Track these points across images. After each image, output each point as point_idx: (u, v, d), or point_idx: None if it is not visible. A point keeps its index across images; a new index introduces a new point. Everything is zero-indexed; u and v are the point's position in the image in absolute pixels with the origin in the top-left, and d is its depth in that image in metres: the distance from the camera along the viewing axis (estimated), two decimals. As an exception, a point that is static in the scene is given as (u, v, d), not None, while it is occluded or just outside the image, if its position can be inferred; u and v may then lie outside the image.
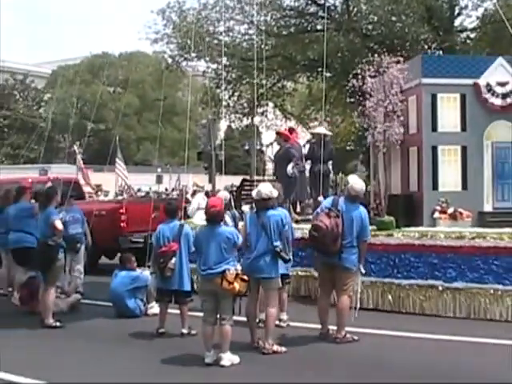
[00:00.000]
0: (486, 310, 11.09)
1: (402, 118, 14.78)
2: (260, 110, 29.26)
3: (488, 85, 14.72)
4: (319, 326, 9.98)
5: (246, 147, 49.33)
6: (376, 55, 15.26)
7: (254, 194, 9.59)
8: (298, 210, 15.88)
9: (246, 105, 30.17)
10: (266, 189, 9.46)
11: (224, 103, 30.44)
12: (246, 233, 9.43)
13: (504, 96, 14.77)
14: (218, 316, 8.78)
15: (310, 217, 14.41)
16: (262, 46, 22.21)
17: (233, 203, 12.63)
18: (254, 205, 9.92)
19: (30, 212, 12.72)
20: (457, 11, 26.60)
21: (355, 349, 9.39)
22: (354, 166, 45.66)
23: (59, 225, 11.17)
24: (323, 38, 15.53)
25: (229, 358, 8.60)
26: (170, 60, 29.24)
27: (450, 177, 14.65)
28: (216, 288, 8.62)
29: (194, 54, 27.22)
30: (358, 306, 10.26)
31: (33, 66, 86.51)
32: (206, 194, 18.60)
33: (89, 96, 67.05)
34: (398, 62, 14.89)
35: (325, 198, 12.58)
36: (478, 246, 11.28)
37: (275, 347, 9.13)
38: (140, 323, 11.09)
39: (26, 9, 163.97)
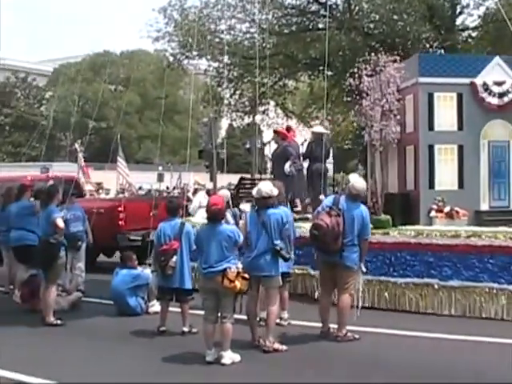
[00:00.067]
0: (482, 309, 11.11)
1: (398, 117, 14.83)
2: (261, 109, 29.24)
3: (485, 84, 14.80)
4: (320, 325, 9.98)
5: (247, 146, 49.30)
6: (373, 54, 15.29)
7: (254, 192, 9.59)
8: (299, 208, 15.89)
9: (247, 103, 30.16)
10: (267, 187, 9.45)
11: (225, 101, 30.46)
12: (247, 231, 9.43)
13: (501, 95, 14.87)
14: (219, 314, 8.78)
15: (309, 215, 14.49)
16: (264, 45, 22.23)
17: (230, 202, 12.62)
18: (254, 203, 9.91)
19: (31, 210, 12.72)
20: (458, 10, 26.59)
21: (356, 347, 9.39)
22: (355, 164, 45.65)
23: (61, 223, 11.18)
24: (325, 37, 15.51)
25: (230, 357, 8.60)
26: (171, 58, 29.22)
27: (446, 176, 14.74)
28: (217, 286, 8.62)
29: (195, 53, 27.20)
30: (361, 304, 10.29)
31: (34, 64, 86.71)
32: (207, 192, 18.59)
33: (90, 94, 67.10)
34: (395, 61, 14.93)
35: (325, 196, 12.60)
36: (473, 244, 11.29)
37: (276, 345, 9.13)
38: (141, 321, 11.10)
39: (27, 7, 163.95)
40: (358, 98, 15.30)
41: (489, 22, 26.57)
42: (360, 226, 9.73)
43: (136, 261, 12.19)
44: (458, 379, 7.88)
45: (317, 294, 12.41)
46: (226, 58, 27.49)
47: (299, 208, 15.59)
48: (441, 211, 14.23)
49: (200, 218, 13.55)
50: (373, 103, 14.76)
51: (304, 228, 12.00)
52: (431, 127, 14.79)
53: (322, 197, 13.64)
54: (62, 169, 31.22)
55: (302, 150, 15.44)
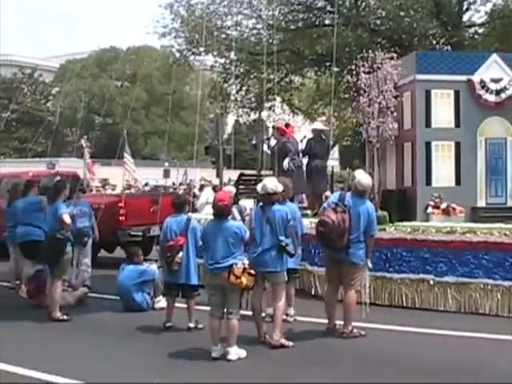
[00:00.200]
0: (476, 305, 11.13)
1: (395, 114, 14.86)
2: (267, 105, 29.26)
3: (482, 81, 14.85)
4: (326, 321, 9.98)
5: (253, 142, 49.26)
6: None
7: (259, 188, 9.58)
8: (305, 204, 15.91)
9: (253, 99, 30.19)
10: (272, 183, 9.44)
11: (232, 98, 30.48)
12: (251, 227, 9.42)
13: (498, 92, 14.92)
14: (225, 310, 8.79)
15: (308, 212, 14.53)
16: (270, 41, 22.24)
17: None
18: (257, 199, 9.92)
19: (38, 205, 12.75)
20: (465, 6, 26.59)
21: (362, 344, 9.39)
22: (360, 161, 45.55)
23: (67, 219, 11.17)
24: (331, 33, 15.57)
25: (236, 352, 8.61)
26: (177, 54, 29.27)
27: (443, 172, 14.80)
28: (223, 282, 8.62)
29: (201, 49, 27.21)
30: (368, 301, 10.30)
31: (41, 60, 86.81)
32: (214, 188, 18.61)
33: (96, 90, 67.27)
34: (392, 59, 14.96)
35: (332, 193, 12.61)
36: (468, 240, 11.30)
37: (283, 340, 9.14)
38: (147, 317, 11.10)
39: (34, 2, 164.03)
40: (355, 94, 15.34)
41: (496, 19, 26.56)
42: (366, 222, 9.71)
43: (142, 256, 12.24)
44: (460, 376, 7.86)
45: (313, 289, 12.51)
46: (232, 54, 27.55)
47: (305, 204, 15.62)
48: (438, 208, 14.29)
49: (205, 213, 13.57)
50: (370, 100, 14.81)
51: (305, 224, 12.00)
52: (428, 124, 14.86)
53: (328, 193, 13.64)
54: (68, 165, 31.30)
55: (302, 146, 15.44)
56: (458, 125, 14.91)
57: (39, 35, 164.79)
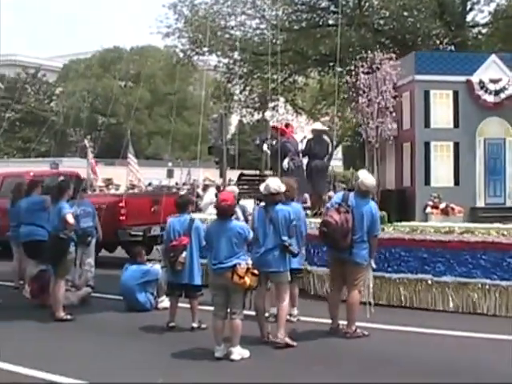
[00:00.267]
0: (474, 304, 11.12)
1: (394, 114, 14.88)
2: (271, 105, 29.28)
3: (481, 82, 14.88)
4: (329, 321, 9.98)
5: (257, 142, 49.25)
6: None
7: (262, 188, 9.58)
8: (309, 204, 15.89)
9: (257, 99, 30.19)
10: (275, 183, 9.44)
11: (235, 98, 30.49)
12: (254, 227, 9.42)
13: (496, 93, 14.97)
14: (229, 310, 8.78)
15: (308, 212, 14.52)
16: (274, 41, 22.23)
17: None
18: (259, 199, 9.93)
19: (41, 205, 12.74)
20: (469, 6, 26.54)
21: (365, 344, 9.39)
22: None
23: (71, 219, 11.18)
24: (335, 33, 15.58)
25: (239, 352, 8.61)
26: (181, 54, 29.25)
27: (442, 172, 14.86)
28: (227, 282, 8.62)
29: (205, 49, 27.24)
30: (373, 301, 10.30)
31: (44, 60, 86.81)
32: (217, 188, 18.60)
33: (100, 90, 67.24)
34: (391, 59, 14.98)
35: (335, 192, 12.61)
36: (466, 240, 11.30)
37: (287, 339, 9.14)
38: (150, 317, 11.11)
39: (34, 2, 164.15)
40: (354, 95, 15.36)
41: (499, 19, 26.53)
42: (369, 222, 9.71)
43: (145, 256, 12.25)
44: (459, 376, 7.85)
45: (312, 289, 12.51)
46: (236, 54, 27.55)
47: (308, 204, 15.60)
48: (436, 208, 14.32)
49: (209, 213, 13.56)
50: (369, 100, 14.85)
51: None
52: (427, 124, 14.92)
53: (331, 193, 13.64)
54: (71, 164, 31.35)
55: (302, 146, 15.43)
56: (456, 125, 14.97)
57: (39, 35, 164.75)
